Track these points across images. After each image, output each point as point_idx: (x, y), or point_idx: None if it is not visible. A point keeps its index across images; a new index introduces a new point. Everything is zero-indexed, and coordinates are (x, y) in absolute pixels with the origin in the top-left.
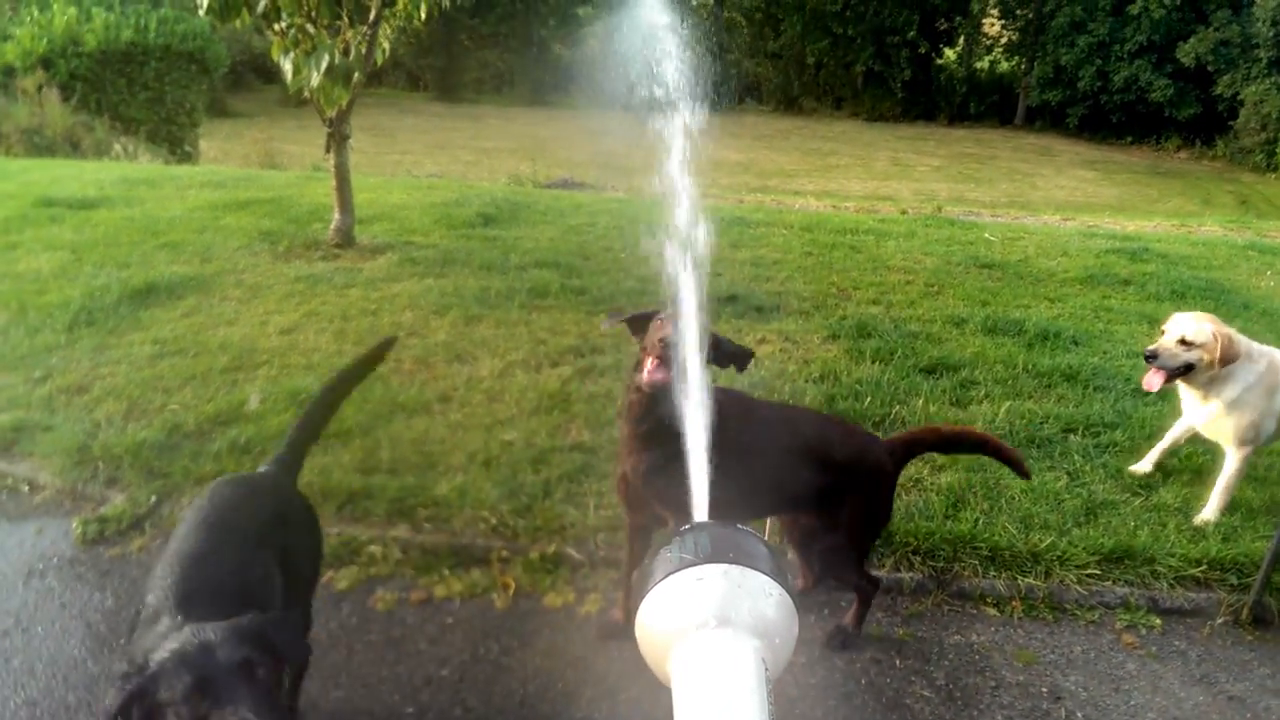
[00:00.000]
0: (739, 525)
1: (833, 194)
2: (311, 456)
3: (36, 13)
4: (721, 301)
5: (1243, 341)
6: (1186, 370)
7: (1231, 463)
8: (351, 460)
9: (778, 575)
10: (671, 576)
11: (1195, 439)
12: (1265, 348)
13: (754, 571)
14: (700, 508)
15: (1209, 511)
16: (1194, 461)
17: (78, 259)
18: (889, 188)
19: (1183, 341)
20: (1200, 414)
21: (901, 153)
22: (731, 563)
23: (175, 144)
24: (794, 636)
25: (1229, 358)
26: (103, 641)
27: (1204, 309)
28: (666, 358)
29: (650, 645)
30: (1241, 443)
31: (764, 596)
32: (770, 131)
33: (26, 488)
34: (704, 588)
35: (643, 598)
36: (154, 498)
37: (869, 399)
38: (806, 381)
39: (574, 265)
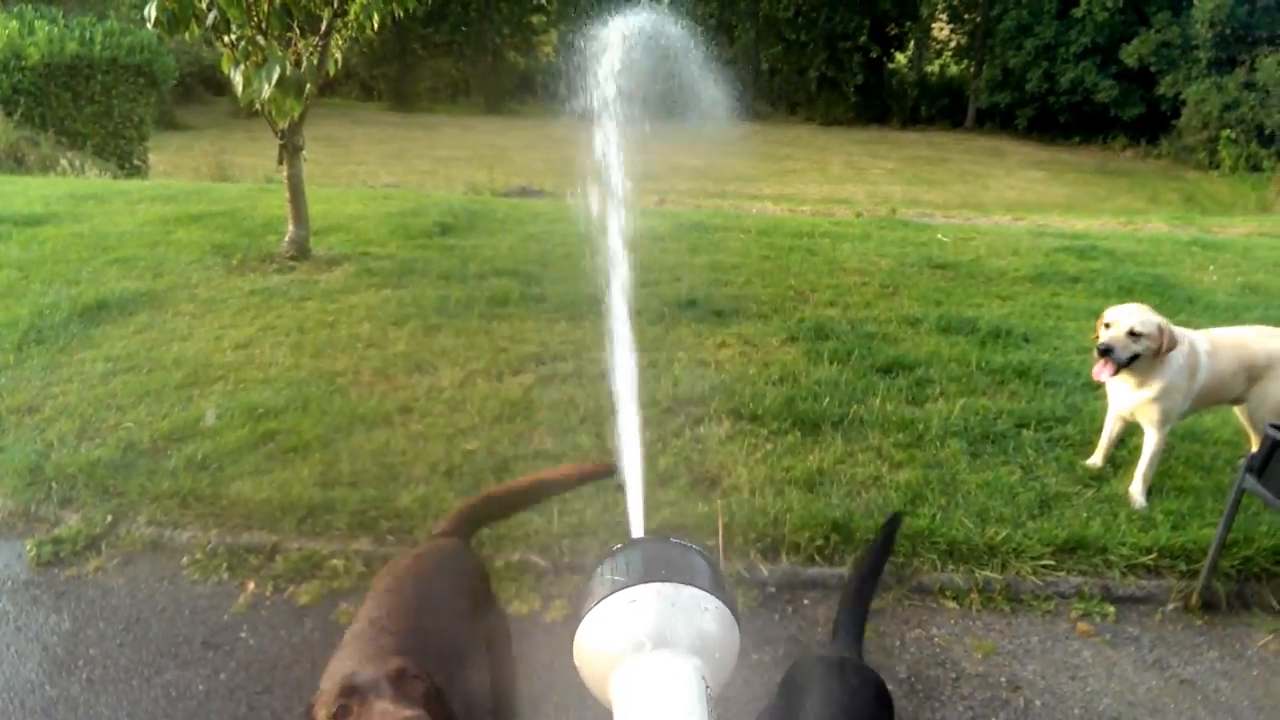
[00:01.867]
0: (674, 539)
1: (789, 198)
2: (269, 472)
3: None
4: (681, 306)
5: (1174, 329)
6: (1132, 360)
7: (1154, 442)
8: (311, 474)
9: (715, 589)
10: (604, 601)
11: (1136, 427)
12: (1184, 331)
13: (689, 587)
14: (636, 523)
15: (1137, 492)
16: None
17: (25, 277)
18: (844, 191)
19: (1132, 333)
20: (1130, 399)
21: (856, 156)
22: (665, 580)
23: (123, 158)
24: (735, 649)
25: (1171, 346)
26: (60, 665)
27: (1149, 303)
28: None
29: (590, 671)
30: (1164, 423)
31: (700, 612)
32: (725, 136)
33: None
34: (638, 610)
35: (579, 624)
36: (109, 517)
37: (827, 399)
38: (766, 384)
39: (533, 273)
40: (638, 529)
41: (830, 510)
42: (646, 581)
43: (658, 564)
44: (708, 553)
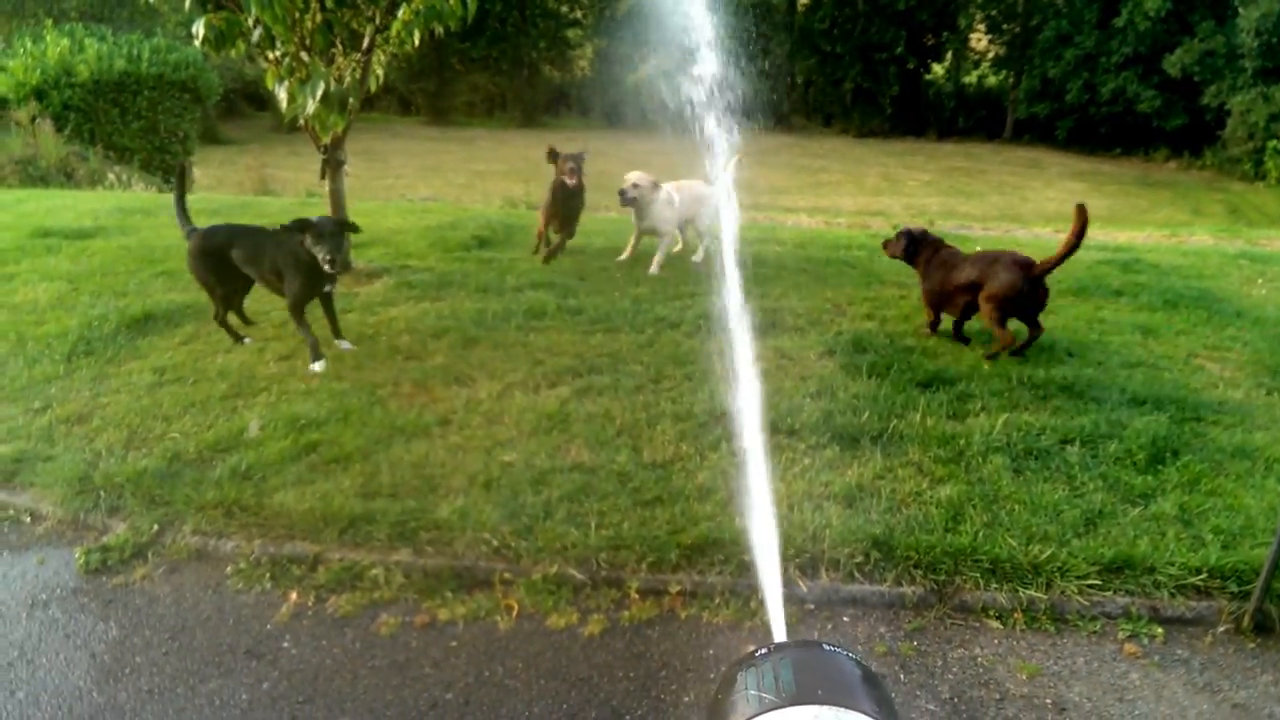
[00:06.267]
0: (825, 643)
1: (825, 210)
2: (311, 483)
3: (29, 44)
4: (716, 319)
5: None
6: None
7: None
8: (352, 485)
9: (878, 710)
10: None
11: None
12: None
13: (851, 713)
14: (778, 625)
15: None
16: (1192, 470)
17: (75, 289)
18: (880, 203)
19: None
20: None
21: (892, 168)
22: (822, 703)
23: (169, 172)
24: None
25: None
26: (107, 672)
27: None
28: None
29: None
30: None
31: None
32: (760, 148)
33: (28, 518)
34: None
35: None
36: (156, 526)
37: (866, 414)
38: (804, 397)
39: (569, 286)
40: (780, 632)
41: (870, 526)
42: (800, 703)
43: (812, 679)
44: (864, 660)
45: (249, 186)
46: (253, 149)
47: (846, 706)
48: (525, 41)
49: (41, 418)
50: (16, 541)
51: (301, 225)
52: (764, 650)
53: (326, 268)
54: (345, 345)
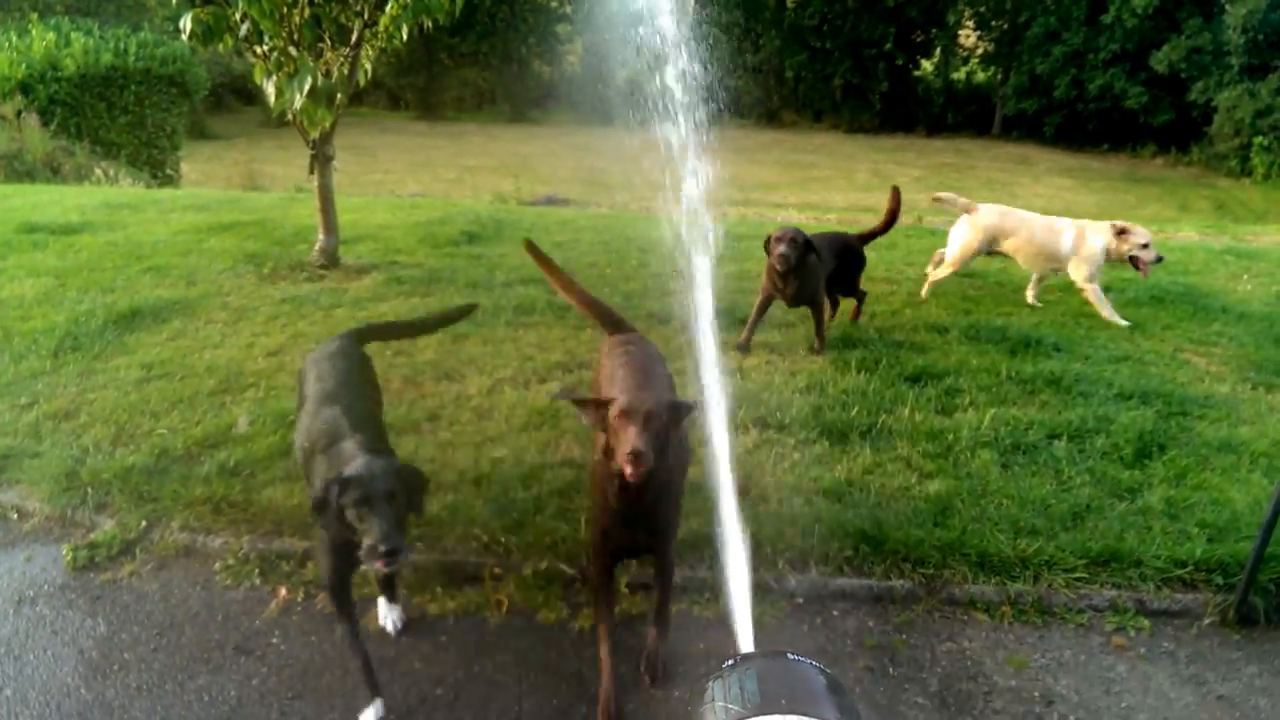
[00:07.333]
0: (790, 653)
1: (814, 206)
2: (300, 479)
3: (15, 38)
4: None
5: None
6: None
7: None
8: None
9: (840, 718)
10: None
11: None
12: None
13: None
14: (745, 635)
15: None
16: (1178, 465)
17: (62, 284)
18: (870, 199)
19: None
20: None
21: (881, 164)
22: (786, 712)
23: (156, 167)
24: None
25: None
26: (95, 669)
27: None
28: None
29: None
30: None
31: None
32: (750, 145)
33: (15, 515)
34: None
35: None
36: (144, 522)
37: (855, 409)
38: (793, 393)
39: None
40: (747, 642)
41: (859, 520)
42: (765, 713)
43: (777, 690)
44: (829, 669)
45: (237, 181)
46: (240, 144)
47: (810, 714)
48: (515, 36)
49: (28, 414)
50: (3, 538)
51: (341, 483)
52: (731, 661)
53: (378, 565)
54: (392, 620)
